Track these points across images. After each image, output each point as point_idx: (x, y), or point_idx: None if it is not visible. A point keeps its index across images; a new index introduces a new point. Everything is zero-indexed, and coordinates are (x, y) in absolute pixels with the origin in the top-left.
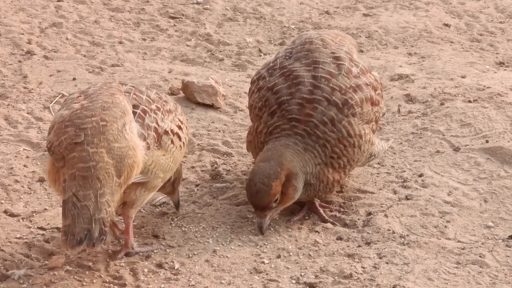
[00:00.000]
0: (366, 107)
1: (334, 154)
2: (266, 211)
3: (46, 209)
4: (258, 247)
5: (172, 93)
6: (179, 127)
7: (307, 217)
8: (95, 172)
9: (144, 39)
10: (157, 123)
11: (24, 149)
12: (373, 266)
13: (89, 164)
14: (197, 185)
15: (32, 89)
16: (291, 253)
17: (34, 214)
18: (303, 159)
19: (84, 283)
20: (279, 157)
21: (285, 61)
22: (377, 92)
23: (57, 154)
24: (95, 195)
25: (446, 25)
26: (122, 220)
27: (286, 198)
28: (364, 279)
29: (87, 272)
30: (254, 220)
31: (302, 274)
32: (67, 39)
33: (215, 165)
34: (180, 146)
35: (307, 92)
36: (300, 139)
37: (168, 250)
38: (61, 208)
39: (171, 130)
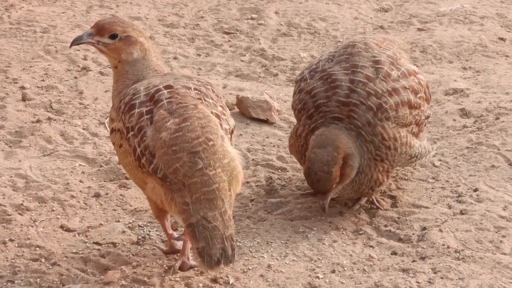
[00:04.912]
0: (403, 111)
1: (378, 156)
2: (327, 194)
3: (101, 224)
4: (312, 262)
5: None
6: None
7: (367, 204)
8: (219, 194)
9: (199, 55)
10: (228, 124)
11: (80, 165)
12: (427, 281)
13: (213, 187)
14: (251, 200)
15: (88, 105)
16: (345, 268)
17: (89, 229)
18: (356, 142)
19: None
20: (334, 141)
21: (326, 64)
22: (418, 95)
23: (175, 181)
24: (220, 214)
25: (501, 39)
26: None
27: (344, 177)
28: None
29: (142, 287)
30: (308, 235)
31: None
32: None
33: (270, 180)
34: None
35: (343, 96)
36: (349, 128)
37: None
38: (116, 223)
39: (234, 126)
